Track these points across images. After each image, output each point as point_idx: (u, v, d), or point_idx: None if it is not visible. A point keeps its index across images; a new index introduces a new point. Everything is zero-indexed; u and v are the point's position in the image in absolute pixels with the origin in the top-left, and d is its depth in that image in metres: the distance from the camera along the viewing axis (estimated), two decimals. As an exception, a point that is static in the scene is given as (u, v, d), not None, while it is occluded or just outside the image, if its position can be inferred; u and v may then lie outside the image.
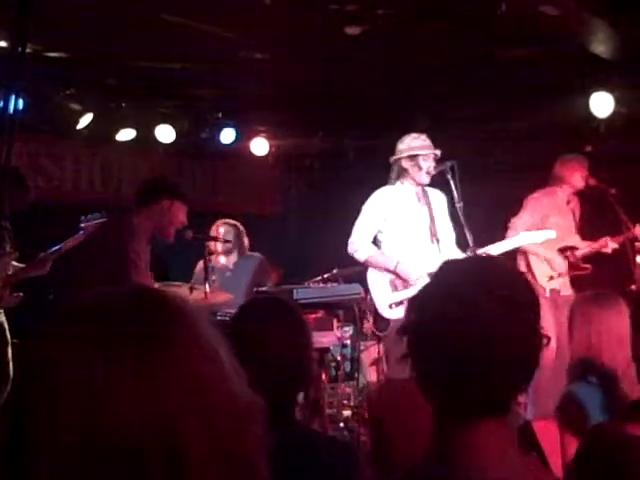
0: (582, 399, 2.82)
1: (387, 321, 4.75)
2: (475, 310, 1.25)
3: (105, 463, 0.72)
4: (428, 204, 4.84)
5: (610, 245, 5.58)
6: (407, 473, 1.35)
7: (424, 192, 4.86)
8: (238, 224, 5.96)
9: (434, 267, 4.83)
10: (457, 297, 1.28)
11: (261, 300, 2.25)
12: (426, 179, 4.74)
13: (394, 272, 4.70)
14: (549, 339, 1.31)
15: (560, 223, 5.57)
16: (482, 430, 1.26)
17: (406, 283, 4.71)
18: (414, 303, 1.37)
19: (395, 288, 4.73)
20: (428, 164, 4.69)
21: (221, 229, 5.81)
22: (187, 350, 0.79)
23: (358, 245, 4.78)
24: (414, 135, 4.77)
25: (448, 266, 1.43)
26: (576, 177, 5.60)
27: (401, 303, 4.68)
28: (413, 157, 4.71)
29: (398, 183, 4.81)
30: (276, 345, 1.88)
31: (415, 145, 4.71)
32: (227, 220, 5.94)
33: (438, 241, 4.82)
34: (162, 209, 4.07)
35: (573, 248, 5.66)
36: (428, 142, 4.75)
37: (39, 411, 0.75)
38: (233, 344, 2.02)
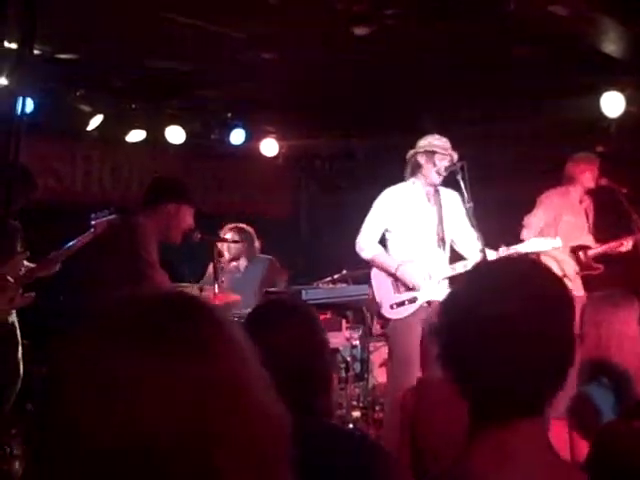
0: (595, 401, 2.80)
1: (388, 320, 4.78)
2: (510, 310, 1.25)
3: (131, 462, 0.72)
4: (438, 205, 4.83)
5: (626, 245, 5.55)
6: (441, 473, 1.34)
7: (436, 192, 4.85)
8: (247, 228, 5.96)
9: (437, 272, 4.80)
10: (491, 298, 1.27)
11: (271, 303, 2.20)
12: (437, 178, 4.74)
13: (394, 275, 4.71)
14: (582, 338, 1.30)
15: (573, 222, 5.55)
16: (518, 431, 1.25)
17: (407, 286, 4.71)
18: (448, 303, 1.36)
19: (397, 290, 4.74)
20: (443, 164, 4.71)
21: (227, 235, 5.81)
22: (223, 352, 0.79)
23: (364, 243, 4.79)
24: (437, 136, 4.82)
25: (482, 267, 1.42)
26: (586, 176, 5.58)
27: (402, 304, 4.69)
28: (430, 153, 4.73)
29: (410, 181, 4.82)
30: (289, 349, 1.85)
31: (436, 144, 4.75)
32: (235, 225, 5.93)
33: (444, 244, 4.81)
34: (168, 212, 3.95)
35: (586, 248, 5.63)
36: (448, 145, 4.78)
37: (64, 409, 0.75)
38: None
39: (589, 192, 5.69)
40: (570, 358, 1.30)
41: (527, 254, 4.71)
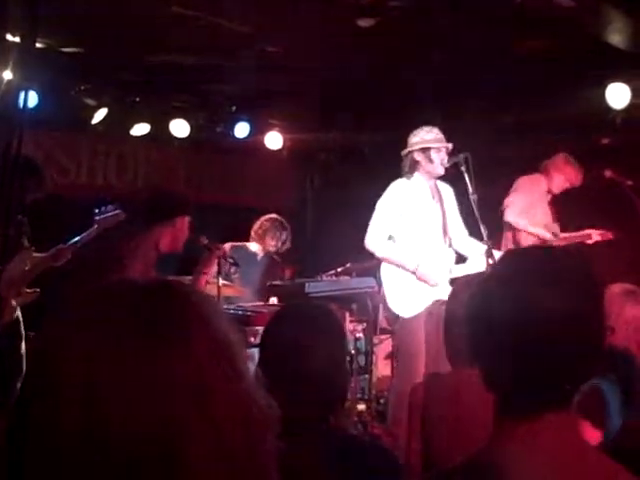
0: (604, 393, 2.79)
1: (397, 317, 4.75)
2: (541, 303, 1.23)
3: (102, 462, 0.71)
4: (441, 200, 4.81)
5: (594, 238, 5.59)
6: (464, 465, 1.31)
7: (437, 187, 4.82)
8: (284, 222, 6.08)
9: (448, 269, 4.75)
10: (522, 290, 1.26)
11: (298, 308, 2.17)
12: (440, 170, 4.72)
13: (413, 273, 4.65)
14: (613, 330, 1.28)
15: (544, 210, 5.76)
16: (548, 423, 1.24)
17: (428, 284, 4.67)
18: (476, 296, 1.35)
19: (409, 286, 4.68)
20: (441, 156, 4.68)
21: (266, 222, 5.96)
22: (200, 348, 0.76)
23: (376, 242, 4.71)
24: (426, 129, 4.75)
25: (509, 258, 1.40)
26: (559, 176, 5.75)
27: (412, 301, 4.65)
28: (425, 150, 4.70)
29: (412, 177, 4.77)
30: (315, 354, 1.83)
31: (427, 138, 4.70)
32: (276, 217, 6.07)
33: (450, 239, 4.80)
34: (174, 226, 4.06)
35: (556, 234, 5.68)
36: (440, 135, 4.73)
37: (41, 404, 0.74)
38: (269, 352, 1.98)
39: (555, 190, 5.81)
40: (599, 351, 1.28)
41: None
